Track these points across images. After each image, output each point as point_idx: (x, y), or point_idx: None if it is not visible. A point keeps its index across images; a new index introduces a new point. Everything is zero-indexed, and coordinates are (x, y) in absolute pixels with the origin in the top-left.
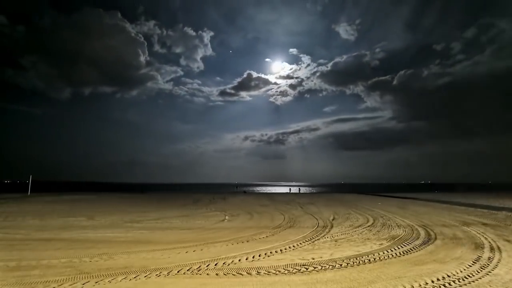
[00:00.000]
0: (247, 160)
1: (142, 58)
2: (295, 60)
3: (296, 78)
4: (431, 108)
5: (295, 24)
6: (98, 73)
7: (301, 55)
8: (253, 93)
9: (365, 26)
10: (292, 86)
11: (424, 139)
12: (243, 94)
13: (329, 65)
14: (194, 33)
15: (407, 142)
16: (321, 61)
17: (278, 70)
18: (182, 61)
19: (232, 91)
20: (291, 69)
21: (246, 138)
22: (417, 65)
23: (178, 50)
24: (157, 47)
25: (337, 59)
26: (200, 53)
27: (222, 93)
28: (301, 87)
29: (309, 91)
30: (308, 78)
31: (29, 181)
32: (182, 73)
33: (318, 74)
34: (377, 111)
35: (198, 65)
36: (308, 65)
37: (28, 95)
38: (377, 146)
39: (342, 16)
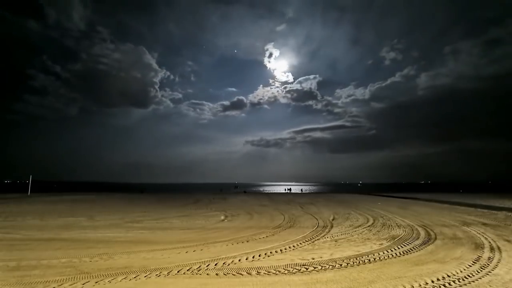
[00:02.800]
0: (247, 161)
1: (154, 87)
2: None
3: (271, 96)
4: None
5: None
6: (119, 96)
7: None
8: (244, 109)
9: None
10: (270, 102)
11: (392, 145)
12: (235, 111)
13: (294, 85)
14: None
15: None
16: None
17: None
18: (180, 87)
19: (228, 107)
20: (269, 89)
21: (246, 142)
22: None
23: (176, 79)
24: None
25: (297, 81)
26: (190, 81)
27: (215, 109)
28: (278, 102)
29: (283, 105)
30: (280, 95)
31: (29, 181)
32: (181, 96)
33: (286, 92)
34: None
35: (192, 89)
36: (277, 86)
37: (49, 112)
38: (359, 149)
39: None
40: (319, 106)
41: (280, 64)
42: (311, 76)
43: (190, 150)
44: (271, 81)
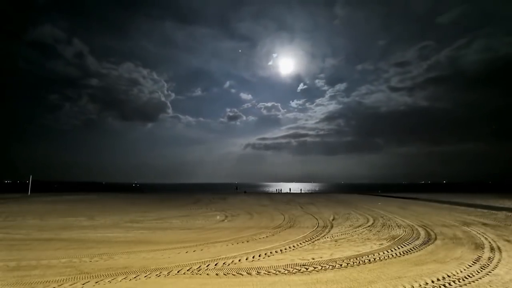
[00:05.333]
0: (247, 163)
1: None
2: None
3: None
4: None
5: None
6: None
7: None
8: (241, 119)
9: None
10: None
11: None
12: (233, 121)
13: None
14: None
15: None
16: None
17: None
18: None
19: (227, 120)
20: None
21: (247, 145)
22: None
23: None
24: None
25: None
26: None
27: (216, 122)
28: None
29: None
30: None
31: (29, 181)
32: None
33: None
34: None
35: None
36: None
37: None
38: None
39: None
40: (282, 117)
41: (240, 83)
42: (268, 104)
43: (190, 152)
44: (236, 100)
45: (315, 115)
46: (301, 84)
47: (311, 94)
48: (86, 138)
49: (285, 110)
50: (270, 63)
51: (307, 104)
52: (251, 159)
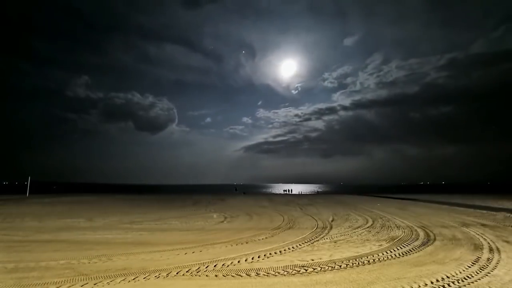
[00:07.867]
0: (246, 164)
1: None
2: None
3: None
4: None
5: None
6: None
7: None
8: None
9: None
10: None
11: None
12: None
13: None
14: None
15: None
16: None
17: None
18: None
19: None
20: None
21: (247, 148)
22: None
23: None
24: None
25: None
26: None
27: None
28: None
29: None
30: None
31: (27, 183)
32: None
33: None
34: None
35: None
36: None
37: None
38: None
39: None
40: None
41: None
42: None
43: (189, 153)
44: None
45: (302, 122)
46: (260, 102)
47: (275, 102)
48: (92, 145)
49: (276, 115)
50: (240, 75)
51: (293, 110)
52: (249, 161)
